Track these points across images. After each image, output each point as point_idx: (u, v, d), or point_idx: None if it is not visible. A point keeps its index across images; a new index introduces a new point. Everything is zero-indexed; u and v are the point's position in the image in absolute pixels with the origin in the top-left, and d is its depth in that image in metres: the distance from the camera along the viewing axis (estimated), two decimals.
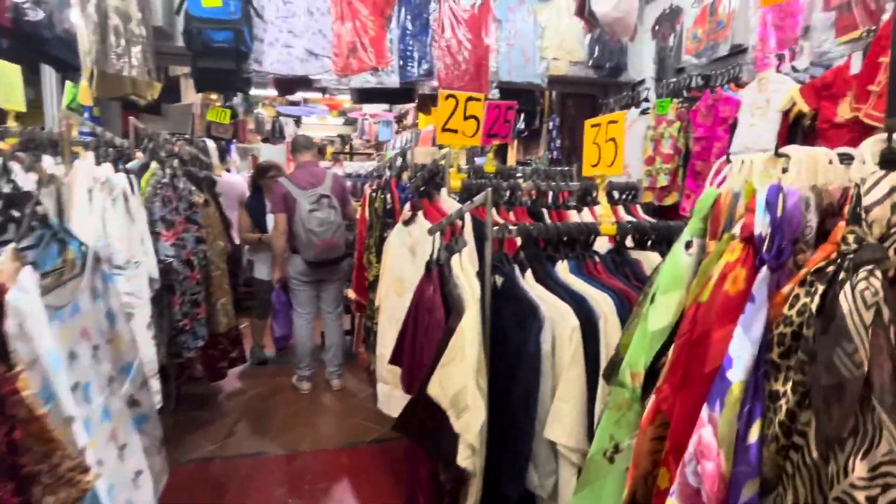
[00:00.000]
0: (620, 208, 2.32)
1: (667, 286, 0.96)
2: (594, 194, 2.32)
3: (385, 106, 8.51)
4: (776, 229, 0.77)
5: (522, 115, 5.77)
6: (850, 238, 0.69)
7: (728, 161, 0.99)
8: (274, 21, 3.73)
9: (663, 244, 1.68)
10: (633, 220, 2.07)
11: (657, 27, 4.33)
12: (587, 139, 1.75)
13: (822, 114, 2.61)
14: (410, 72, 4.15)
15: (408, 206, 2.17)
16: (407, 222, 2.11)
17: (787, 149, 0.82)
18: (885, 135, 0.73)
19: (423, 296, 1.57)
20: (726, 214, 0.91)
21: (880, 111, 2.18)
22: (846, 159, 0.84)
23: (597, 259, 1.59)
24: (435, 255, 1.59)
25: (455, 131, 2.07)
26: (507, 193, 2.29)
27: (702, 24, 3.75)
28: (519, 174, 3.36)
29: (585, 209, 2.27)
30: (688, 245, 0.96)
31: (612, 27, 3.09)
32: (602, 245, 1.74)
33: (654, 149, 3.86)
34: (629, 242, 1.69)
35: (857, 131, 2.45)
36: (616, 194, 2.45)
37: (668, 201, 3.77)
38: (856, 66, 2.46)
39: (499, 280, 1.55)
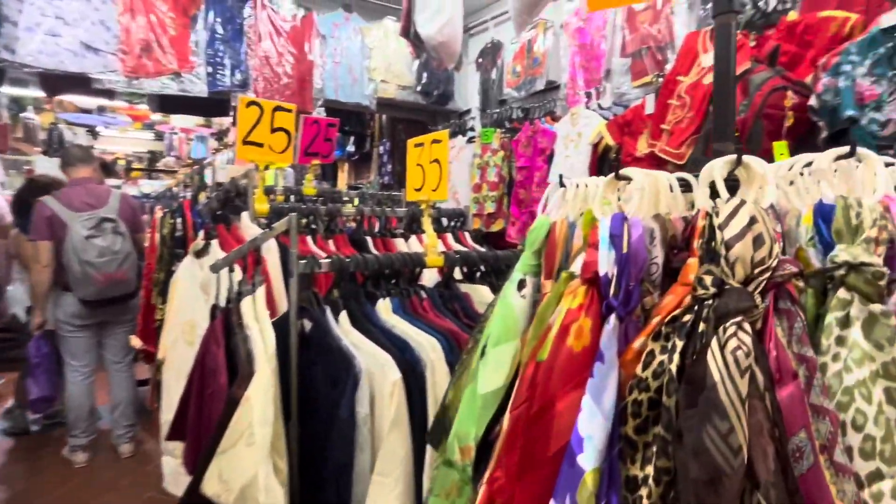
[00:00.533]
0: (449, 236, 2.20)
1: (499, 336, 0.78)
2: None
3: (200, 120, 7.64)
4: (623, 268, 0.62)
5: (353, 138, 5.56)
6: (708, 280, 0.56)
7: (561, 184, 0.84)
8: (33, 0, 2.99)
9: (493, 276, 1.56)
10: (462, 249, 1.94)
11: (480, 60, 4.48)
12: (411, 160, 1.57)
13: (624, 148, 2.83)
14: (221, 81, 3.67)
15: (201, 233, 1.78)
16: (199, 253, 1.71)
17: (628, 171, 0.70)
18: (732, 157, 0.63)
19: (208, 351, 1.22)
20: (562, 248, 0.76)
21: (673, 147, 2.39)
22: (683, 184, 0.74)
23: (423, 295, 1.40)
24: (222, 298, 1.25)
25: (260, 145, 1.75)
26: (327, 220, 2.02)
27: (520, 60, 3.94)
28: (346, 198, 3.11)
29: (413, 237, 2.09)
30: (520, 285, 0.79)
31: (438, 51, 3.04)
32: (431, 278, 1.57)
33: (480, 176, 3.92)
34: (457, 274, 1.54)
35: (654, 165, 2.69)
36: (445, 221, 2.34)
37: (495, 227, 3.83)
38: (649, 107, 2.71)
39: (308, 325, 1.26)
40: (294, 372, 1.23)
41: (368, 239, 1.99)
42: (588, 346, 0.63)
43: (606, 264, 0.63)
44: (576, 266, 0.72)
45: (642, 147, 2.72)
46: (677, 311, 0.59)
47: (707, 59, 2.36)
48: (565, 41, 3.62)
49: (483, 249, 2.10)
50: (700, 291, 0.57)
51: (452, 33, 3.03)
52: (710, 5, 2.70)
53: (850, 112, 1.92)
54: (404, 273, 1.41)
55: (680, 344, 0.56)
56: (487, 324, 0.83)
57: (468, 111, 4.74)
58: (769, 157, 2.21)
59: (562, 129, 3.25)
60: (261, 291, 1.19)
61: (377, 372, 1.14)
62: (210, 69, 3.62)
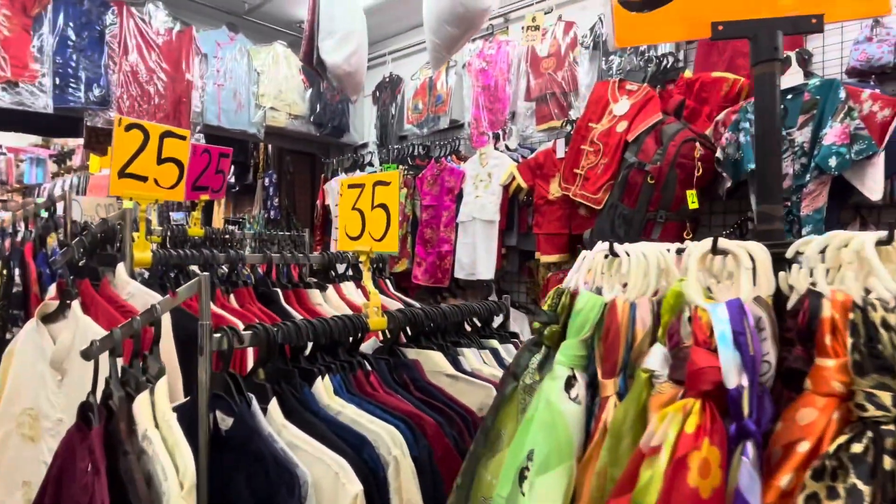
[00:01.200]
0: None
1: (547, 458, 0.58)
2: (348, 268, 1.91)
3: (34, 138, 6.50)
4: (753, 377, 0.46)
5: (233, 168, 5.04)
6: (886, 398, 0.42)
7: (586, 247, 0.68)
8: None
9: (440, 337, 1.36)
10: (401, 306, 1.71)
11: (378, 93, 4.33)
12: (344, 204, 1.33)
13: (536, 191, 2.82)
14: (74, 96, 3.08)
15: (52, 289, 1.35)
16: (49, 318, 1.28)
17: (725, 244, 0.55)
18: (881, 233, 0.51)
19: (73, 469, 0.85)
20: (625, 337, 0.59)
21: (590, 192, 2.40)
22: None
23: (368, 367, 1.15)
24: (99, 393, 0.90)
25: (144, 178, 1.38)
26: (227, 269, 1.67)
27: (422, 97, 3.85)
28: (239, 237, 2.71)
29: (331, 288, 1.81)
30: (568, 383, 0.60)
31: (343, 81, 2.82)
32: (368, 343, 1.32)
33: None
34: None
35: (566, 208, 2.70)
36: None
37: (399, 268, 3.63)
38: (560, 151, 2.74)
39: (226, 422, 0.95)
40: (205, 490, 0.91)
41: (278, 291, 1.67)
42: (718, 487, 0.45)
43: (734, 373, 0.47)
44: (653, 363, 0.55)
45: (555, 190, 2.72)
46: (842, 439, 0.44)
47: (618, 107, 2.43)
48: (468, 81, 3.61)
49: (414, 302, 1.89)
50: (872, 412, 0.43)
51: (359, 63, 2.84)
52: (612, 58, 2.83)
53: (752, 166, 2.05)
54: (345, 342, 1.16)
55: (867, 490, 0.40)
56: (521, 432, 0.62)
57: (364, 145, 4.54)
58: (681, 204, 2.31)
59: (470, 169, 3.18)
60: (162, 385, 0.86)
61: (328, 483, 0.87)
62: (58, 81, 3.02)
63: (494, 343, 1.38)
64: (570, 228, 2.69)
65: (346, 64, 2.69)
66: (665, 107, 2.35)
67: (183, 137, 1.44)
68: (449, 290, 3.36)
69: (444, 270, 3.25)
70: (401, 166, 3.68)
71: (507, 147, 3.16)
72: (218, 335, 0.97)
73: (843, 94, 1.88)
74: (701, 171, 2.16)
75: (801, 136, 1.99)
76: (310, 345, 1.12)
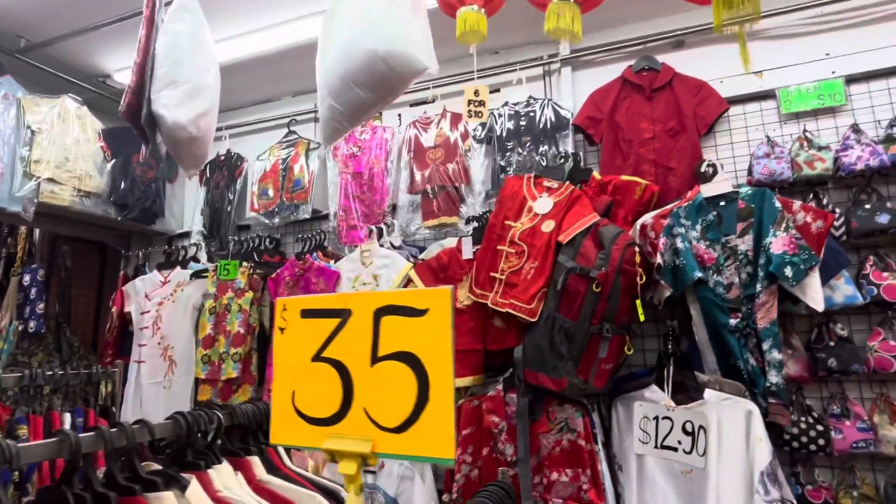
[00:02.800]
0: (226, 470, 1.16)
1: None
2: (215, 448, 1.11)
3: None
4: None
5: None
6: None
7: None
8: None
9: None
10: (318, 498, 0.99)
11: (208, 173, 3.50)
12: (288, 351, 0.66)
13: None
14: None
15: None
16: None
17: None
18: None
19: None
20: None
21: (523, 301, 2.00)
22: None
23: None
24: None
25: None
26: None
27: (273, 181, 3.17)
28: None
29: (193, 482, 1.01)
30: None
31: (182, 149, 2.06)
32: None
33: (215, 325, 2.80)
34: None
35: (478, 319, 2.25)
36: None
37: (240, 398, 2.71)
38: (467, 252, 2.33)
39: None
40: None
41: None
42: None
43: None
44: None
45: (463, 297, 2.27)
46: None
47: (540, 205, 2.14)
48: (334, 167, 3.08)
49: (330, 482, 1.17)
50: None
51: (208, 129, 2.13)
52: (509, 154, 2.61)
53: (698, 273, 1.89)
54: None
55: None
56: None
57: (185, 234, 3.57)
58: (628, 316, 2.04)
59: (348, 269, 2.57)
60: None
61: None
62: None
63: None
64: (484, 343, 2.22)
65: (191, 126, 1.96)
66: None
67: None
68: None
69: None
70: (244, 263, 2.87)
71: (392, 245, 2.64)
72: None
73: (777, 204, 1.85)
74: (643, 278, 1.93)
75: (744, 244, 1.90)
76: None
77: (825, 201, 2.09)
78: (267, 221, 3.15)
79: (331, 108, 1.79)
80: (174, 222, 3.57)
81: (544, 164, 2.53)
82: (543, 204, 2.16)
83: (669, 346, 1.97)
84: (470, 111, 1.92)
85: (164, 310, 2.96)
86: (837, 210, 2.05)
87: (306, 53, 2.93)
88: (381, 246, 2.57)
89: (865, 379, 2.02)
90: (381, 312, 0.63)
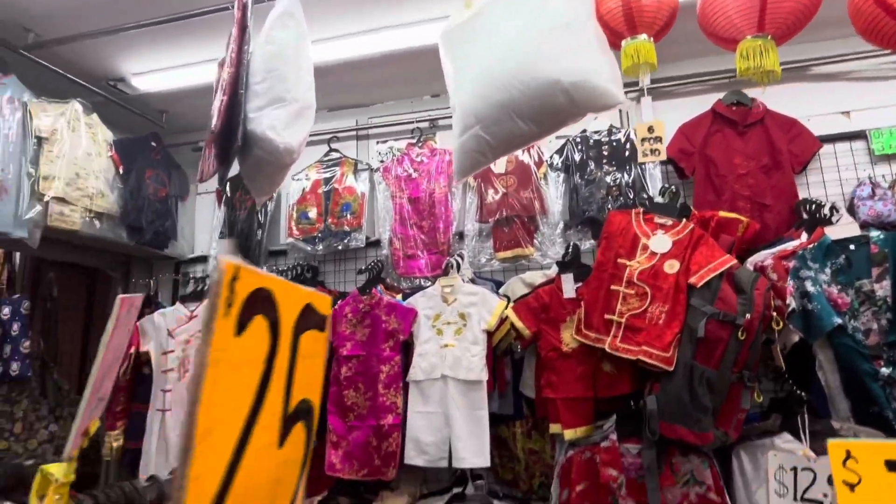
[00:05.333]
0: None
1: None
2: None
3: None
4: None
5: None
6: None
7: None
8: None
9: None
10: None
11: (228, 192, 3.13)
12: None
13: (544, 339, 2.15)
14: None
15: None
16: None
17: None
18: None
19: None
20: None
21: (657, 347, 1.87)
22: None
23: None
24: None
25: None
26: None
27: (316, 204, 2.88)
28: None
29: None
30: None
31: (275, 176, 1.77)
32: None
33: None
34: None
35: (587, 364, 2.09)
36: None
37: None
38: (568, 290, 2.18)
39: None
40: None
41: None
42: None
43: None
44: None
45: (569, 339, 2.11)
46: None
47: (656, 243, 2.03)
48: (385, 190, 2.83)
49: None
50: None
51: (300, 154, 1.85)
52: (591, 185, 2.49)
53: (837, 319, 1.84)
54: None
55: None
56: None
57: (199, 259, 3.17)
58: (758, 365, 1.95)
59: (426, 307, 2.34)
60: None
61: None
62: None
63: None
64: (595, 390, 2.07)
65: (299, 150, 1.70)
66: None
67: None
68: (389, 484, 2.29)
69: (388, 455, 2.21)
70: None
71: (465, 278, 2.44)
72: None
73: None
74: (780, 324, 1.86)
75: (882, 289, 1.87)
76: None
77: None
78: (308, 248, 2.84)
79: (476, 137, 1.59)
80: (185, 245, 3.17)
81: (631, 195, 2.43)
82: (660, 242, 2.05)
83: (802, 393, 1.91)
84: (644, 150, 1.77)
85: (193, 349, 2.59)
86: None
87: (344, 70, 2.70)
88: (463, 280, 2.36)
89: None
90: None
